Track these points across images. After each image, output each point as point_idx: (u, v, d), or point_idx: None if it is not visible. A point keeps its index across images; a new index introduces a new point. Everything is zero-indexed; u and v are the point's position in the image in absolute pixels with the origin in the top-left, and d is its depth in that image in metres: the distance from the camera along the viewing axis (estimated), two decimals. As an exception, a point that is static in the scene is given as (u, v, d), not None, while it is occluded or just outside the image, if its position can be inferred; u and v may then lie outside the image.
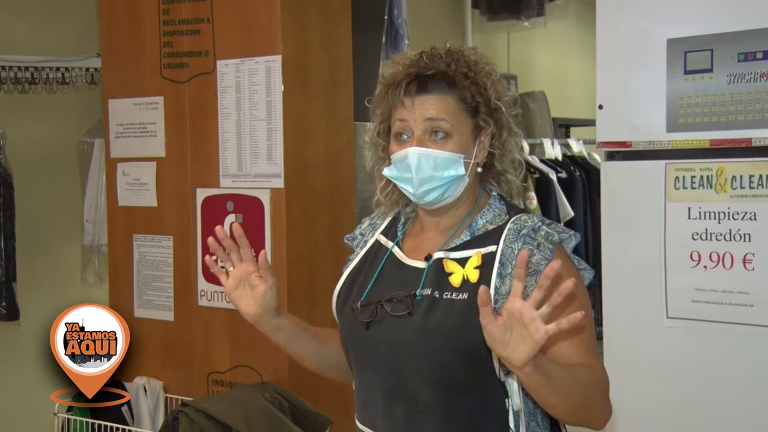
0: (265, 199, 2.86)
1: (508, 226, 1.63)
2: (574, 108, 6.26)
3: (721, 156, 2.26)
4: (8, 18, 3.79)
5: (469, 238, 1.66)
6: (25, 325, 3.54)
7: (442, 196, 1.65)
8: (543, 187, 4.38)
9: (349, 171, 3.13)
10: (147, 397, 3.04)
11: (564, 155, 4.76)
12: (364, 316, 1.66)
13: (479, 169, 1.69)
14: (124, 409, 2.95)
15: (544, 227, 1.62)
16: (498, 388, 1.58)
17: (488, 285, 1.57)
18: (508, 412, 1.58)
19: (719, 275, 2.25)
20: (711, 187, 2.26)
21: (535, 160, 4.45)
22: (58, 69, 3.72)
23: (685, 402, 2.33)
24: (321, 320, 2.83)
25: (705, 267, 2.27)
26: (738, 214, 2.22)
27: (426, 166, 1.62)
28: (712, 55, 2.24)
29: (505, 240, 1.61)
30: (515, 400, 1.58)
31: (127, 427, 2.85)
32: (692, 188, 2.29)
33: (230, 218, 2.92)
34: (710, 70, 2.25)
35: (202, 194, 3.00)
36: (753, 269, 2.21)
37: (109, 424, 2.79)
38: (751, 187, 2.21)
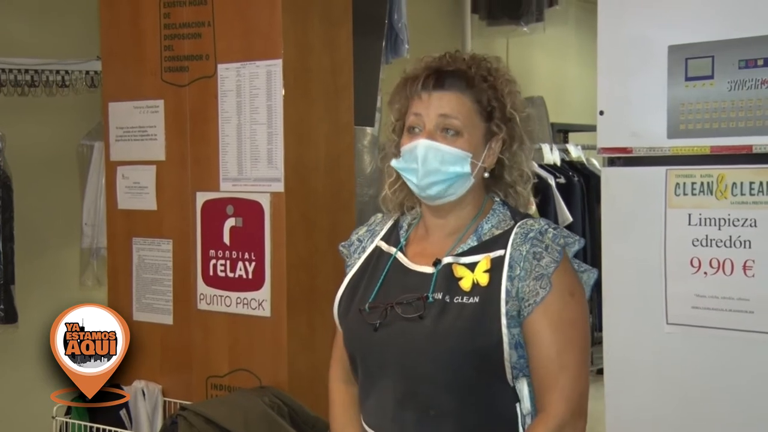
0: (265, 203, 2.86)
1: (515, 230, 1.64)
2: (572, 113, 6.28)
3: (721, 163, 2.25)
4: (8, 20, 3.79)
5: (476, 243, 1.67)
6: (23, 328, 3.53)
7: (445, 191, 1.66)
8: (541, 193, 4.39)
9: (350, 175, 3.12)
10: (145, 401, 3.03)
11: (562, 160, 4.77)
12: (373, 318, 1.66)
13: (486, 174, 1.69)
14: (123, 412, 2.93)
15: (551, 230, 1.64)
16: (508, 392, 1.59)
17: (499, 288, 1.58)
18: (517, 416, 1.59)
19: (719, 282, 2.25)
20: (711, 194, 2.26)
21: (533, 166, 4.45)
22: (58, 72, 3.71)
23: (684, 408, 2.33)
24: (321, 324, 2.84)
25: (705, 273, 2.27)
26: (738, 220, 2.22)
27: (433, 159, 1.63)
28: (713, 61, 2.25)
29: (512, 243, 1.62)
30: (525, 405, 1.59)
31: (125, 431, 2.84)
32: (693, 195, 2.29)
33: (230, 222, 2.92)
34: (711, 77, 2.25)
35: (202, 198, 3.00)
36: (753, 276, 2.21)
37: (107, 427, 2.78)
38: (751, 194, 2.21)
